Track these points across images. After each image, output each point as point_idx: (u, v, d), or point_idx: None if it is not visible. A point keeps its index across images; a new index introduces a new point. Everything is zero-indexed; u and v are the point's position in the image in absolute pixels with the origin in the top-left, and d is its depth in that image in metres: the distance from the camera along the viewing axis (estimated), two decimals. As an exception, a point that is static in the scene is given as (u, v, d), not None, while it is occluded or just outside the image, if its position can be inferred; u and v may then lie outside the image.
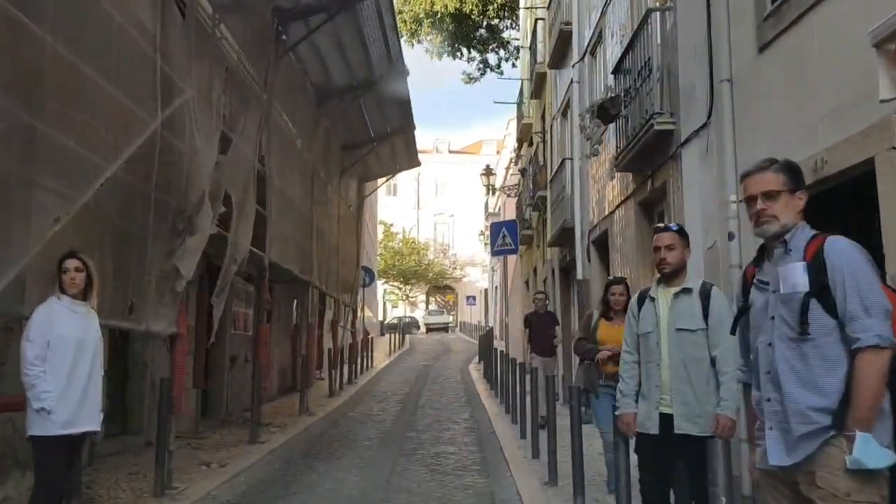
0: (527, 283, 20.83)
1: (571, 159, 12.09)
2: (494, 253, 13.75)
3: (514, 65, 27.45)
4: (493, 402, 13.68)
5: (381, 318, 47.43)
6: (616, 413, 4.08)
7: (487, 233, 44.23)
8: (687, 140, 6.64)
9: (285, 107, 11.37)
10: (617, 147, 8.57)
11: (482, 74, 28.76)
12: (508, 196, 21.66)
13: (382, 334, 30.80)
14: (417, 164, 18.72)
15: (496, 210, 42.79)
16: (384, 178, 20.19)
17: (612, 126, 9.00)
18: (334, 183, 15.37)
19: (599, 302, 6.08)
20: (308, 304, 12.51)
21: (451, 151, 64.32)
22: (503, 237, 13.76)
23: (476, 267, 57.44)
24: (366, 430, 10.48)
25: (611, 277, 6.86)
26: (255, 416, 9.13)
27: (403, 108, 14.24)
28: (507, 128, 45.15)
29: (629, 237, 8.68)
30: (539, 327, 10.34)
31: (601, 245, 10.57)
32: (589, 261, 10.96)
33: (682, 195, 6.85)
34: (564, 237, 12.64)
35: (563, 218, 12.37)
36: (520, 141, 21.68)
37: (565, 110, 13.44)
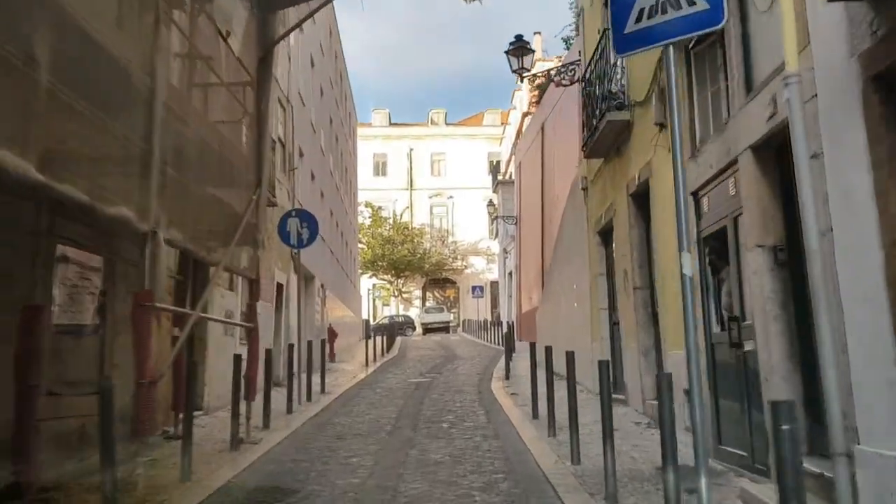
0: (606, 233, 11.27)
1: None
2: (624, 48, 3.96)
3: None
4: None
5: (366, 316, 37.63)
6: None
7: (496, 205, 34.76)
8: None
9: None
10: None
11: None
12: (561, 84, 11.82)
13: (368, 338, 21.08)
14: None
15: (508, 176, 33.07)
16: (317, 4, 10.55)
17: None
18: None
19: None
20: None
21: (448, 123, 55.03)
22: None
23: (480, 256, 48.69)
24: None
25: None
26: None
27: None
28: (517, 94, 35.43)
29: None
30: None
31: None
32: None
33: None
34: None
35: None
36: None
37: None
